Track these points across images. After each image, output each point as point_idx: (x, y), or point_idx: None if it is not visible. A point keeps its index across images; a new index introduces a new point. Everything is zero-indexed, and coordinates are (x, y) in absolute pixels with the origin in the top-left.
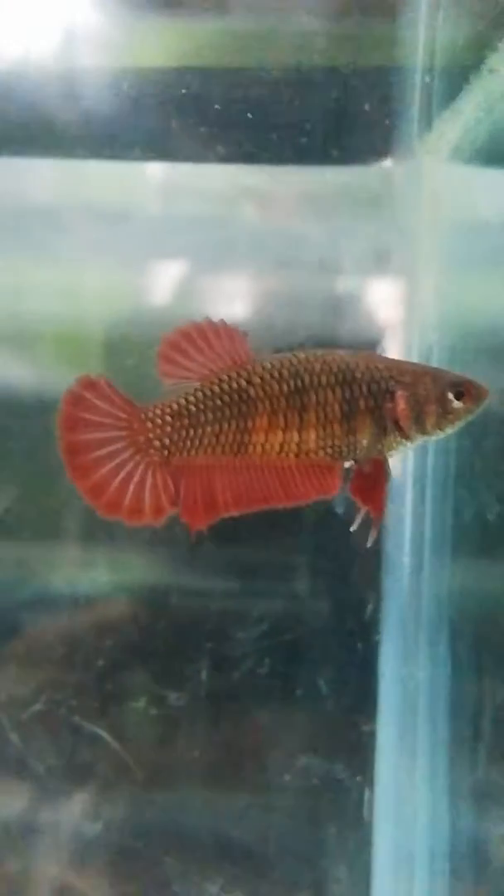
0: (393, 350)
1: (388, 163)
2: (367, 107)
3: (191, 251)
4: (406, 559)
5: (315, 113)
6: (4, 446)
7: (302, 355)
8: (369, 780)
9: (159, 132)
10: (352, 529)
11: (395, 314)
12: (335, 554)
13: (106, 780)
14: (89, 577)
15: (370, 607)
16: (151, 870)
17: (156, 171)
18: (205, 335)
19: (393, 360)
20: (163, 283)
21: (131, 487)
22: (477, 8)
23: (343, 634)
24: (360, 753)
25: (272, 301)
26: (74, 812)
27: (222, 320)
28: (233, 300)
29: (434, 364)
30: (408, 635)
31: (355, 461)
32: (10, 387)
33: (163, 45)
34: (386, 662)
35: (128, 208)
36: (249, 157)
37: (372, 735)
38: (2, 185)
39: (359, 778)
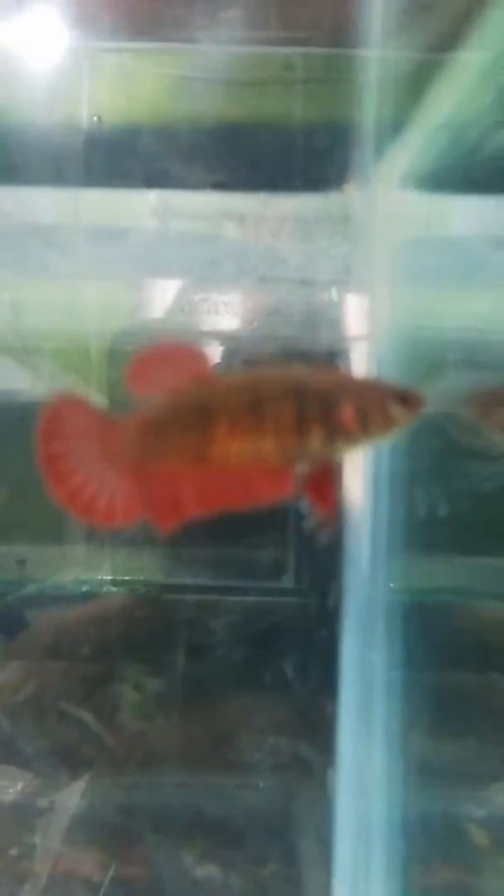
0: (357, 358)
1: (346, 190)
2: (326, 142)
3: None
4: (365, 553)
5: (282, 150)
6: (3, 451)
7: (258, 372)
8: (332, 756)
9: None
10: (308, 524)
11: (359, 326)
12: (300, 550)
13: (89, 760)
14: (83, 574)
15: (332, 598)
16: (132, 843)
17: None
18: (171, 354)
19: (340, 373)
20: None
21: (104, 493)
22: (418, 52)
23: (308, 623)
24: (323, 733)
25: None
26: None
27: (187, 341)
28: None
29: (386, 373)
30: (366, 623)
31: (308, 464)
32: (12, 398)
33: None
34: (347, 648)
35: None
36: (226, 186)
37: (334, 716)
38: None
39: (322, 754)
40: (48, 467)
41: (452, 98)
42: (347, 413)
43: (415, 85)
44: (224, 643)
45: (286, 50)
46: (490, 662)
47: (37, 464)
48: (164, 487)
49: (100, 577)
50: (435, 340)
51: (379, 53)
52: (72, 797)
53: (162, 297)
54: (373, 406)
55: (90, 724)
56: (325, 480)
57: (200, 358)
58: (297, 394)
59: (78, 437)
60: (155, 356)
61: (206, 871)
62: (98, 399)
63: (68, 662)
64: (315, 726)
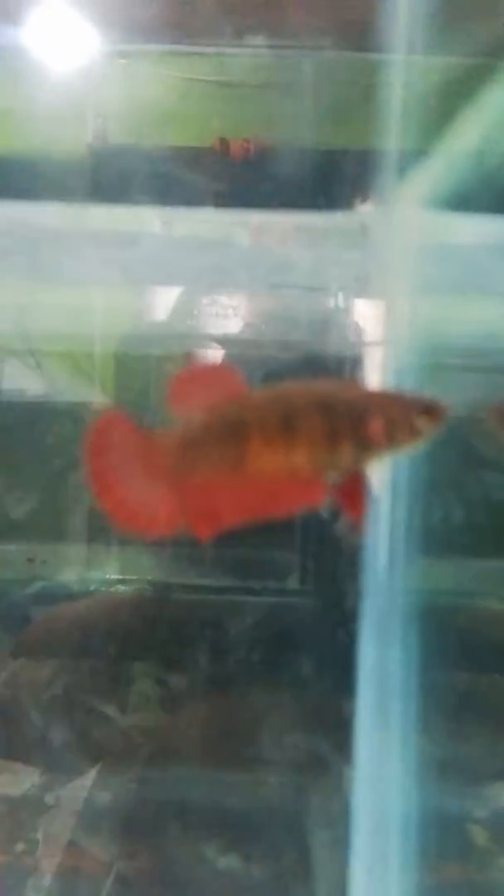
0: (372, 366)
1: (367, 209)
2: (349, 166)
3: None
4: (382, 558)
5: (308, 172)
6: (15, 452)
7: (289, 387)
8: (348, 755)
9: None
10: (337, 531)
11: (373, 332)
12: (320, 553)
13: (114, 753)
14: (99, 573)
15: (350, 600)
16: (154, 835)
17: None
18: (208, 373)
19: (367, 388)
20: (164, 303)
21: (147, 504)
22: (442, 83)
23: (326, 624)
24: (340, 731)
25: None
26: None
27: (222, 361)
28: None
29: (401, 380)
30: (383, 625)
31: (338, 474)
32: (24, 400)
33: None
34: (364, 649)
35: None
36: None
37: (351, 714)
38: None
39: (339, 752)
40: (95, 481)
41: (477, 125)
42: (375, 426)
43: (441, 106)
44: (238, 642)
45: (304, 58)
46: (501, 662)
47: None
48: (202, 498)
49: (107, 577)
50: (449, 348)
51: (402, 74)
52: (88, 790)
53: (170, 302)
54: (399, 419)
55: (110, 718)
56: (356, 489)
57: (235, 377)
58: (326, 409)
59: (122, 452)
60: (195, 375)
61: (228, 861)
62: (105, 399)
63: (77, 657)
64: (332, 724)
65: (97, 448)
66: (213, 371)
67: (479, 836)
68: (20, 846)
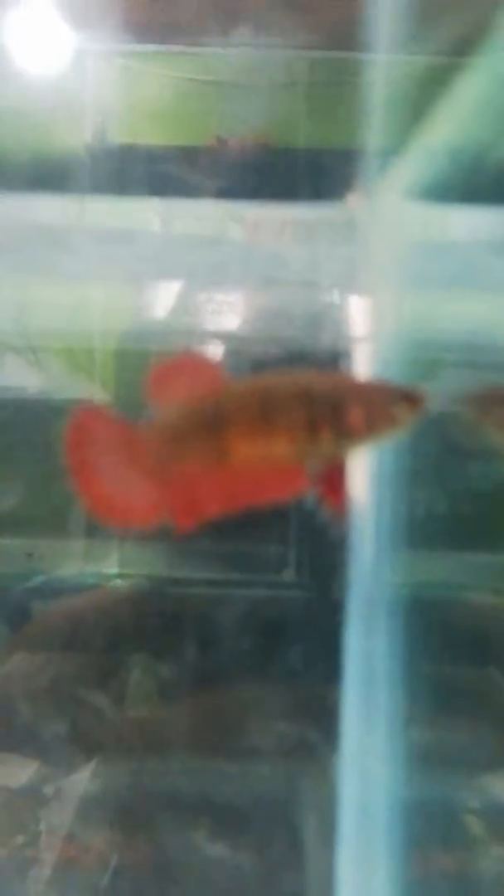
0: (359, 359)
1: (351, 201)
2: (333, 159)
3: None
4: (368, 548)
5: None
6: (14, 448)
7: (268, 378)
8: (335, 741)
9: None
10: (322, 519)
11: (362, 328)
12: (306, 544)
13: (103, 745)
14: (97, 568)
15: (336, 591)
16: (145, 823)
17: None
18: (188, 363)
19: (346, 376)
20: (161, 299)
21: (128, 496)
22: (419, 78)
23: (313, 615)
24: (327, 719)
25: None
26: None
27: (202, 351)
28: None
29: (388, 373)
30: (369, 615)
31: (319, 463)
32: (20, 395)
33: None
34: (350, 639)
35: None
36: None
37: (337, 702)
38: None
39: (326, 739)
40: (76, 474)
41: (455, 115)
42: (355, 415)
43: (418, 101)
44: (230, 634)
45: (291, 56)
46: (487, 655)
47: (65, 472)
48: (184, 490)
49: (106, 571)
50: (436, 342)
51: (384, 71)
52: (84, 780)
53: (166, 298)
54: (379, 407)
55: (105, 709)
56: (337, 477)
57: (216, 367)
58: (306, 398)
59: (102, 445)
60: (173, 367)
61: (217, 849)
62: (104, 395)
63: (74, 651)
64: (320, 712)
65: (76, 442)
66: (193, 362)
67: (470, 825)
68: (20, 838)
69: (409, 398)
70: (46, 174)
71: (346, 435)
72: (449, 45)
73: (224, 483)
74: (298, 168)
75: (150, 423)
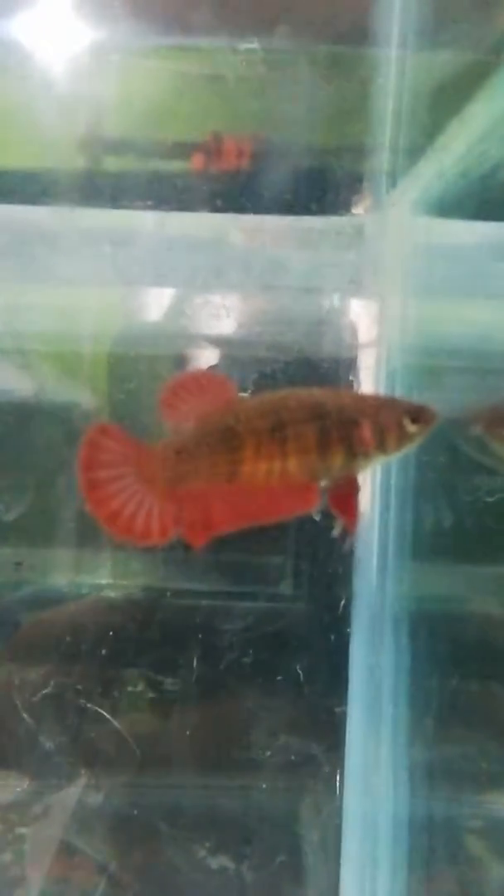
0: (364, 368)
1: (360, 213)
2: (342, 170)
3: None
4: (374, 561)
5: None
6: (7, 455)
7: (280, 395)
8: (340, 756)
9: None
10: (333, 536)
11: (367, 334)
12: (312, 557)
13: (107, 755)
14: (89, 578)
15: (342, 604)
16: (146, 835)
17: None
18: (199, 382)
19: (357, 394)
20: (158, 303)
21: (141, 515)
22: (431, 93)
23: (319, 627)
24: (332, 732)
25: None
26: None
27: (213, 370)
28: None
29: (397, 383)
30: (375, 628)
31: (330, 480)
32: (12, 401)
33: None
34: (356, 652)
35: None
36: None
37: (343, 716)
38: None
39: (330, 753)
40: (89, 493)
41: (466, 131)
42: (366, 432)
43: (429, 118)
44: (230, 647)
45: (299, 54)
46: (494, 669)
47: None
48: (196, 507)
49: (98, 581)
50: (443, 349)
51: (395, 70)
52: (80, 794)
53: (163, 302)
54: (389, 424)
55: (109, 720)
56: (349, 493)
57: (227, 385)
58: (317, 416)
59: (115, 464)
60: (185, 385)
61: (220, 862)
62: (95, 401)
63: (68, 662)
64: (325, 725)
65: (89, 461)
66: (205, 380)
67: (475, 842)
68: (7, 855)
69: (420, 414)
70: (38, 174)
71: (358, 452)
72: (469, 47)
73: (236, 500)
74: (304, 175)
75: (162, 441)
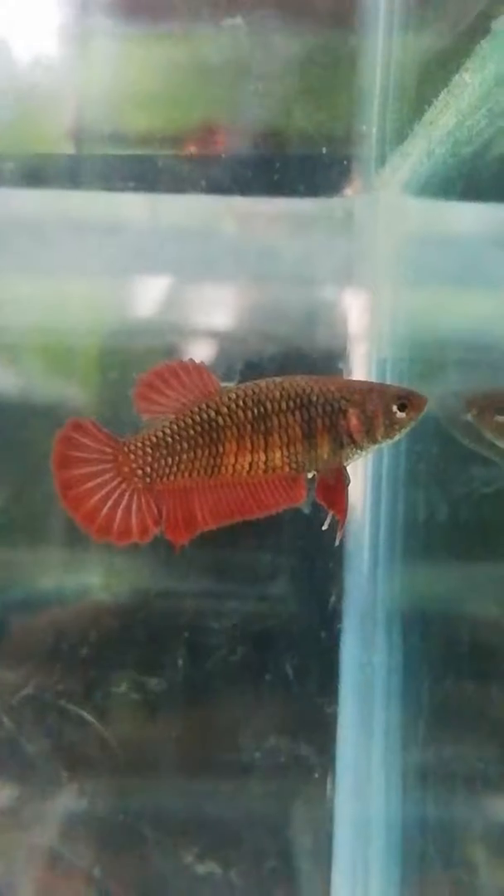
0: (356, 358)
1: (349, 194)
2: (330, 150)
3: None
4: (365, 557)
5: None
6: None
7: (263, 384)
8: (331, 757)
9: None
10: (324, 528)
11: (359, 325)
12: (302, 552)
13: (91, 758)
14: (78, 578)
15: (333, 600)
16: (132, 841)
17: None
18: (176, 373)
19: (343, 380)
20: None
21: (119, 512)
22: (418, 68)
23: (309, 624)
24: (323, 733)
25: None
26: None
27: (191, 359)
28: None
29: (388, 373)
30: (366, 625)
31: (317, 471)
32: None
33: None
34: (347, 650)
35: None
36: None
37: (334, 716)
38: None
39: (321, 755)
40: (64, 492)
41: (453, 109)
42: (353, 421)
43: (417, 94)
44: (220, 646)
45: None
46: (488, 669)
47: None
48: (177, 503)
49: (87, 581)
50: (437, 340)
51: (384, 55)
52: (67, 799)
53: (153, 293)
54: (377, 411)
55: (92, 723)
56: (337, 485)
57: (206, 375)
58: (302, 405)
59: (91, 461)
60: (160, 377)
61: (207, 867)
62: (85, 396)
63: (68, 663)
64: (315, 725)
65: (63, 458)
66: (182, 370)
67: (470, 845)
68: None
69: (409, 400)
70: (26, 163)
71: (345, 441)
72: (454, 28)
73: (219, 495)
74: (292, 157)
75: (139, 436)
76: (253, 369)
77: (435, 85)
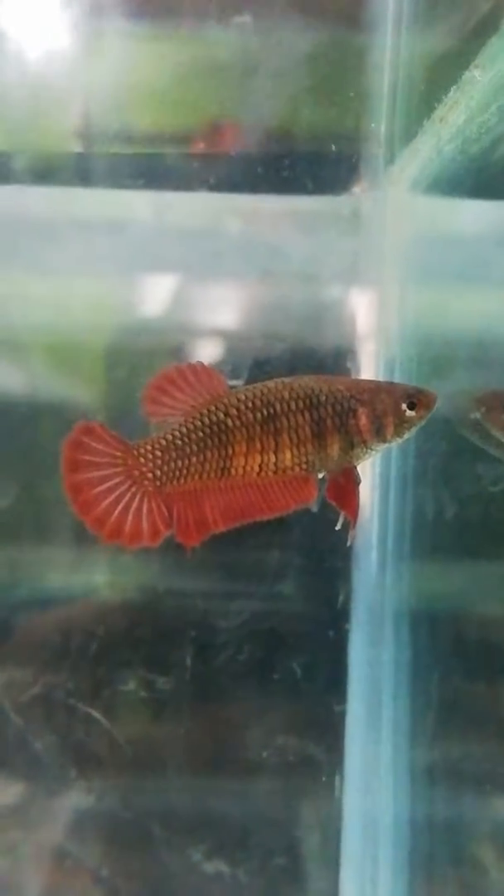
0: (363, 357)
1: (357, 192)
2: (338, 148)
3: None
4: (373, 555)
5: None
6: (1, 453)
7: (271, 384)
8: (339, 755)
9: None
10: (337, 528)
11: (367, 324)
12: (310, 551)
13: (98, 756)
14: (85, 577)
15: (341, 598)
16: (140, 839)
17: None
18: (184, 375)
19: (352, 379)
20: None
21: (130, 516)
22: (428, 65)
23: (317, 623)
24: (331, 731)
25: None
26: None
27: (199, 361)
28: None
29: (396, 372)
30: (374, 623)
31: (328, 471)
32: (4, 393)
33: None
34: (355, 648)
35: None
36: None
37: (342, 714)
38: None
39: (330, 753)
40: (74, 496)
41: (463, 106)
42: (363, 420)
43: (426, 91)
44: (228, 645)
45: (292, 37)
46: (496, 666)
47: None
48: (188, 506)
49: (94, 579)
50: (445, 338)
51: (392, 54)
52: (79, 795)
53: (160, 292)
54: (386, 410)
55: (100, 721)
56: (348, 485)
57: (214, 377)
58: (311, 404)
59: (101, 464)
60: (168, 379)
61: (215, 866)
62: (92, 396)
63: (77, 661)
64: (324, 724)
65: (73, 463)
66: (190, 372)
67: (478, 844)
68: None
69: (419, 399)
70: (34, 161)
71: (355, 441)
72: (464, 25)
73: (229, 497)
74: (300, 155)
75: (148, 439)
76: (260, 368)
77: (444, 82)
